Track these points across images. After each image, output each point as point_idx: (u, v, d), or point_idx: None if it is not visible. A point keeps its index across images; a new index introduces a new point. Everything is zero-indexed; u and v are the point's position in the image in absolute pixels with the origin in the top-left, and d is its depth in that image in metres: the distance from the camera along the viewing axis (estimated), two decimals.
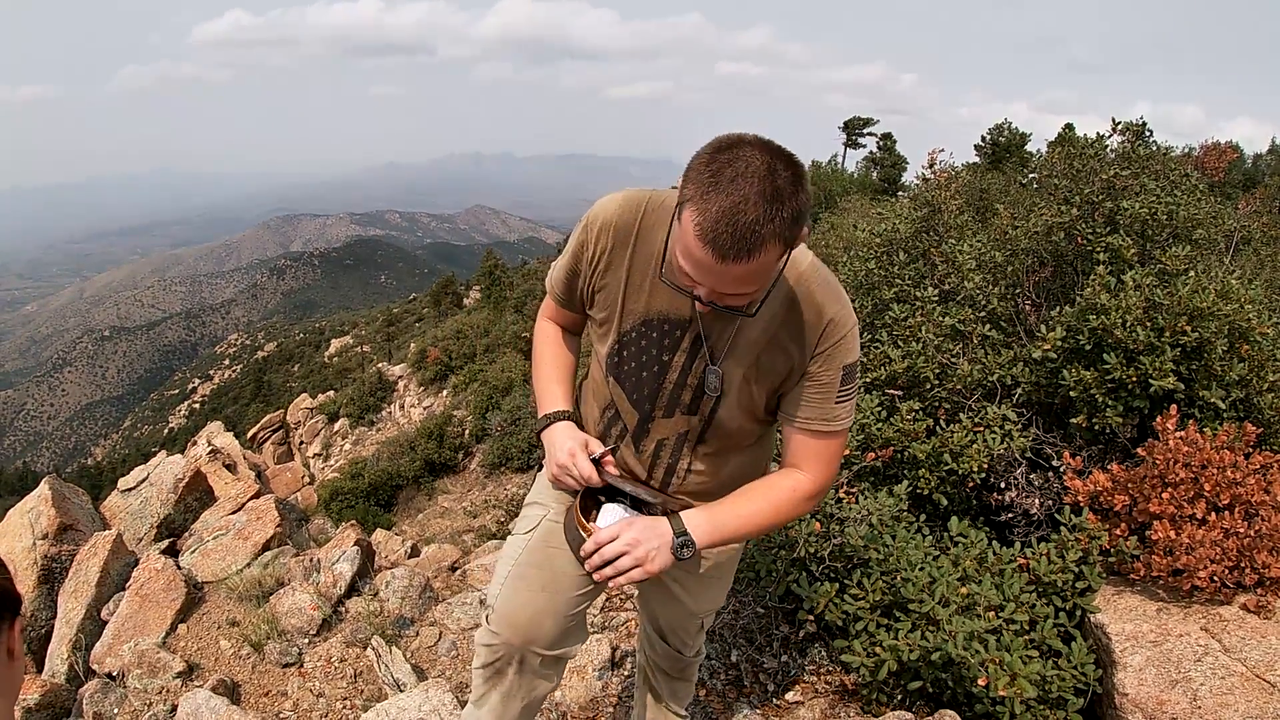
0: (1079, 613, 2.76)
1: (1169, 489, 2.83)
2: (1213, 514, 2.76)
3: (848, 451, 2.83)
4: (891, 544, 2.60)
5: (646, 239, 1.57)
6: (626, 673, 2.89)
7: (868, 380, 3.45)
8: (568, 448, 1.66)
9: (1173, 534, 2.73)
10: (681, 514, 1.57)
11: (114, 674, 3.65)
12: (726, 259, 1.28)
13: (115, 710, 3.45)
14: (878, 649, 2.43)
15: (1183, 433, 2.88)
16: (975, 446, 3.14)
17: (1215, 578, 2.66)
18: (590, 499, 1.68)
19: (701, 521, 1.56)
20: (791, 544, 2.65)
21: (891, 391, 3.43)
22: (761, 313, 1.52)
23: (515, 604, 1.77)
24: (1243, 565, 2.68)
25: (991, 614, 2.47)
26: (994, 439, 3.18)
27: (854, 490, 2.83)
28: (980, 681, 2.33)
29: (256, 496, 5.21)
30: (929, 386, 3.48)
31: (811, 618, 2.63)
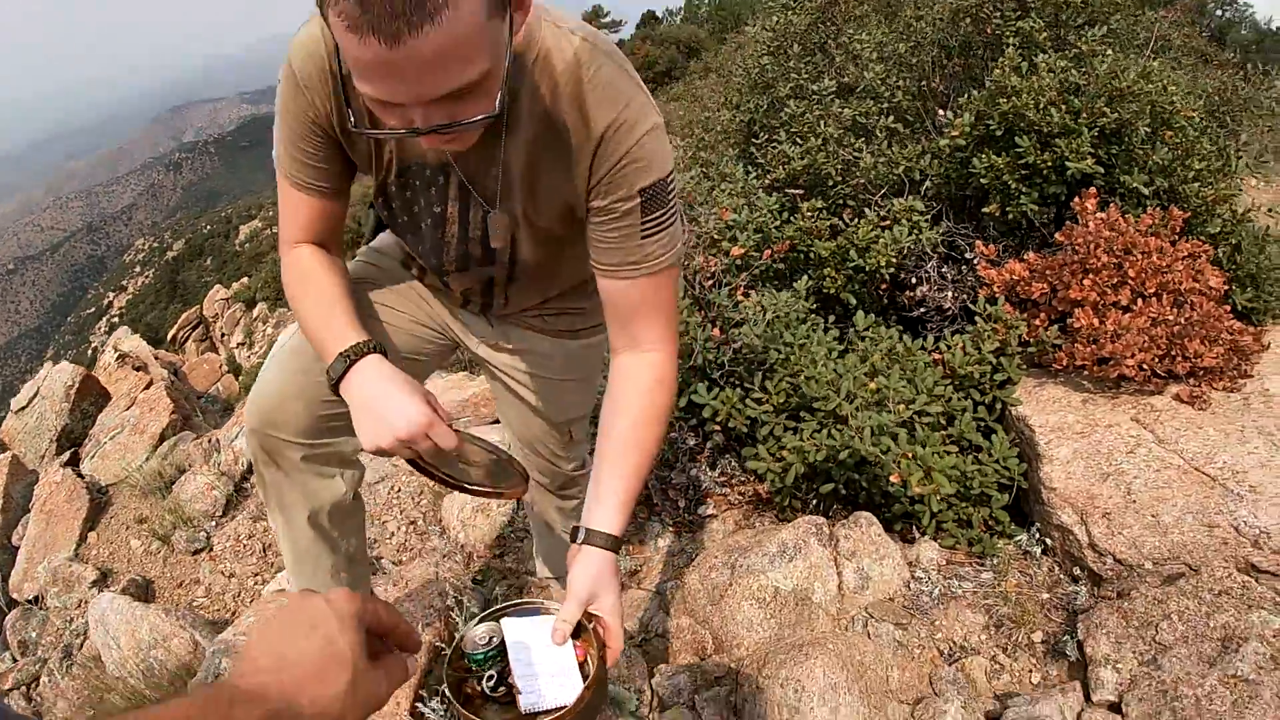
0: (999, 406, 2.68)
1: (1090, 275, 2.70)
2: (1139, 301, 2.64)
3: (741, 251, 2.64)
4: (793, 342, 2.46)
5: None
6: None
7: (766, 181, 3.23)
8: (413, 414, 1.21)
9: (1096, 321, 2.61)
10: (586, 534, 1.25)
11: (33, 598, 3.58)
12: (399, 35, 0.87)
13: (37, 634, 3.38)
14: (784, 453, 2.32)
15: (1104, 215, 2.74)
16: (883, 241, 2.99)
17: (1144, 367, 2.55)
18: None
19: (612, 527, 1.26)
20: (689, 351, 2.49)
21: (792, 191, 3.23)
22: (519, 134, 1.19)
23: (264, 388, 1.52)
24: (1174, 354, 2.56)
25: (902, 407, 2.36)
26: (902, 232, 3.02)
27: (752, 292, 2.67)
28: (893, 478, 2.24)
29: (149, 388, 4.91)
30: (831, 184, 3.29)
31: (718, 428, 2.51)
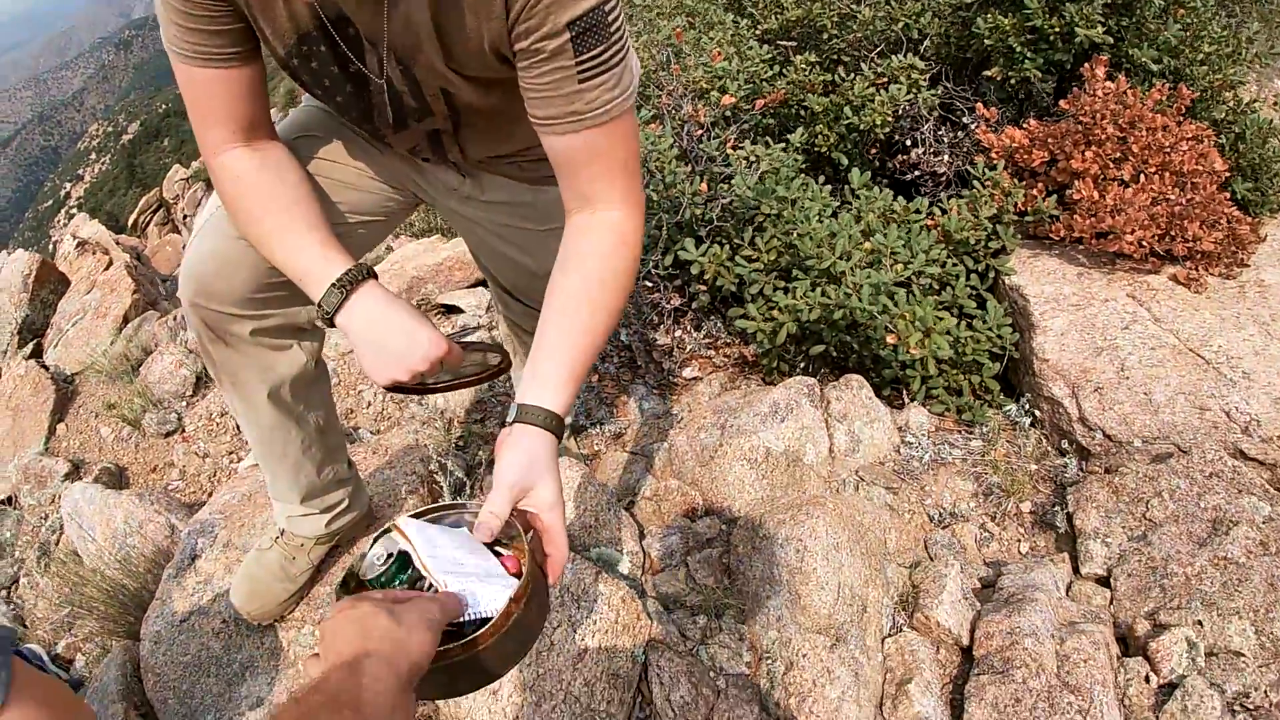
0: (992, 275, 2.61)
1: (1094, 146, 2.60)
2: (1141, 178, 2.55)
3: (731, 100, 2.46)
4: (786, 196, 2.32)
5: None
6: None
7: (757, 32, 3.01)
8: (428, 346, 1.11)
9: (1096, 195, 2.53)
10: (519, 410, 1.04)
11: (6, 499, 3.44)
12: None
13: (13, 535, 3.30)
14: (775, 312, 2.22)
15: (1112, 84, 2.61)
16: (879, 99, 2.82)
17: (1143, 244, 2.49)
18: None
19: (552, 402, 1.04)
20: (675, 206, 2.35)
21: (784, 43, 3.02)
22: None
23: (199, 257, 1.32)
24: (1173, 234, 2.51)
25: (900, 267, 2.26)
26: (899, 91, 2.85)
27: (742, 145, 2.51)
28: (889, 340, 2.16)
29: (108, 269, 4.71)
30: (827, 37, 3.08)
31: (704, 287, 2.39)
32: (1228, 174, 2.63)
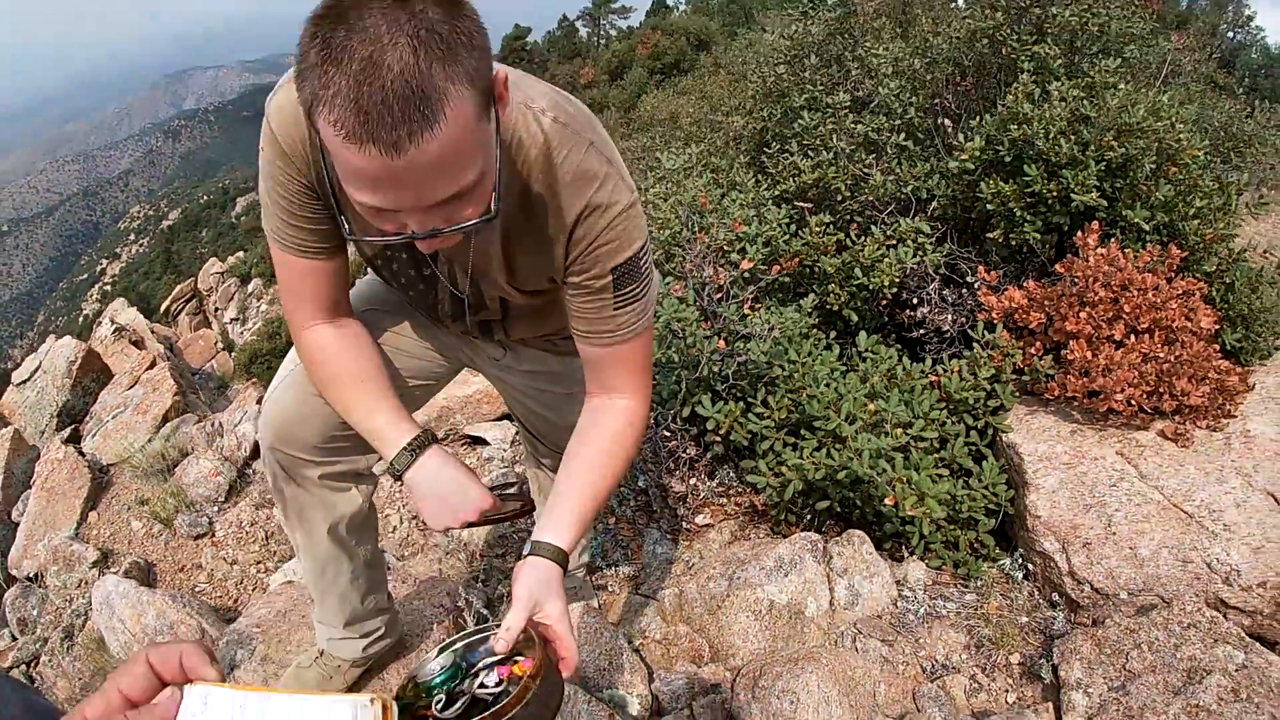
0: (991, 432, 2.75)
1: (1087, 308, 2.76)
2: (1131, 337, 2.71)
3: (750, 265, 2.69)
4: (797, 360, 2.52)
5: None
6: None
7: (776, 192, 3.28)
8: (477, 500, 1.36)
9: (1089, 355, 2.68)
10: (533, 545, 1.27)
11: (33, 575, 3.58)
12: (401, 145, 0.85)
13: (37, 612, 3.39)
14: (784, 468, 2.38)
15: (1104, 250, 2.80)
16: (887, 260, 3.04)
17: (1132, 402, 2.63)
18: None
19: (561, 541, 1.26)
20: (694, 364, 2.54)
21: (801, 204, 3.28)
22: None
23: (281, 404, 1.54)
24: (1161, 391, 2.64)
25: (900, 431, 2.42)
26: (907, 253, 3.08)
27: (758, 307, 2.72)
28: (888, 500, 2.31)
29: (152, 367, 4.94)
30: (840, 199, 3.34)
31: (718, 439, 2.56)
32: (1217, 326, 2.75)
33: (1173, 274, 2.81)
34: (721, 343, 2.52)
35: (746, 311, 2.62)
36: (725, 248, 2.76)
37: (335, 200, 1.19)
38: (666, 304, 2.52)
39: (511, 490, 1.54)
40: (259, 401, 4.08)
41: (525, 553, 1.27)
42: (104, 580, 3.00)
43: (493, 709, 1.05)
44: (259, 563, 3.26)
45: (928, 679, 2.16)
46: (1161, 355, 2.64)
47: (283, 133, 1.18)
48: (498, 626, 1.19)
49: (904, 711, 2.01)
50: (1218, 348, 2.77)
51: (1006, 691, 2.17)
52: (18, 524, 3.93)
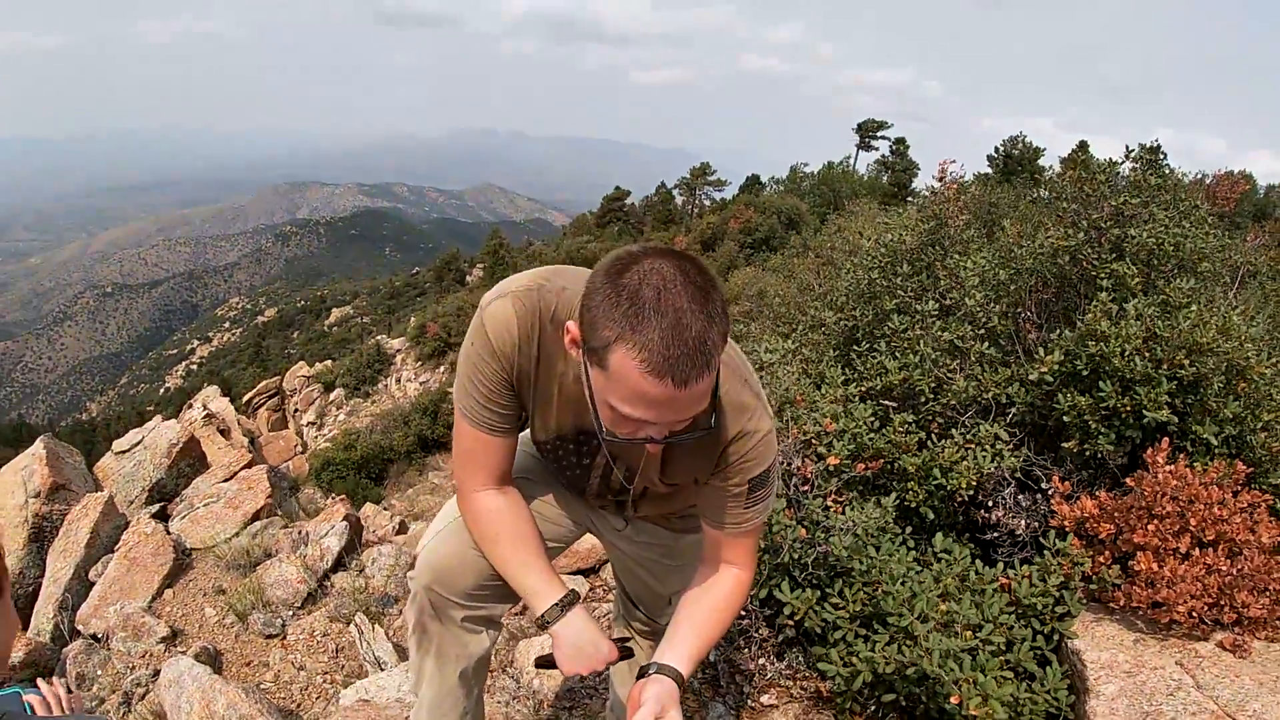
0: (1057, 637, 2.78)
1: (1155, 521, 2.83)
2: (1196, 549, 2.77)
3: (836, 461, 2.85)
4: (875, 555, 2.63)
5: (548, 356, 1.50)
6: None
7: (862, 390, 3.47)
8: (603, 653, 1.67)
9: (1155, 566, 2.74)
10: (658, 666, 1.58)
11: (98, 635, 3.70)
12: (689, 382, 1.17)
13: (98, 671, 3.48)
14: (854, 659, 2.45)
15: (1172, 466, 2.88)
16: (965, 463, 3.16)
17: (1194, 613, 2.68)
18: None
19: (681, 666, 1.58)
20: (776, 549, 2.67)
21: (886, 403, 3.45)
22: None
23: (441, 552, 1.77)
24: (1222, 603, 2.69)
25: (969, 633, 2.49)
26: (984, 457, 3.19)
27: (841, 500, 2.85)
28: (953, 699, 2.35)
29: (249, 466, 5.23)
30: (924, 400, 3.49)
31: (791, 623, 2.64)
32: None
33: (1239, 487, 2.87)
34: (804, 531, 2.65)
35: (830, 504, 2.75)
36: (814, 440, 2.93)
37: (533, 394, 1.52)
38: None
39: (627, 643, 1.77)
40: (345, 518, 4.30)
41: (650, 672, 1.56)
42: (177, 660, 3.12)
43: None
44: (326, 673, 3.35)
45: None
46: (1224, 568, 2.70)
47: (496, 336, 1.48)
48: None
49: None
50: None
51: None
52: (93, 583, 4.10)
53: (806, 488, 2.84)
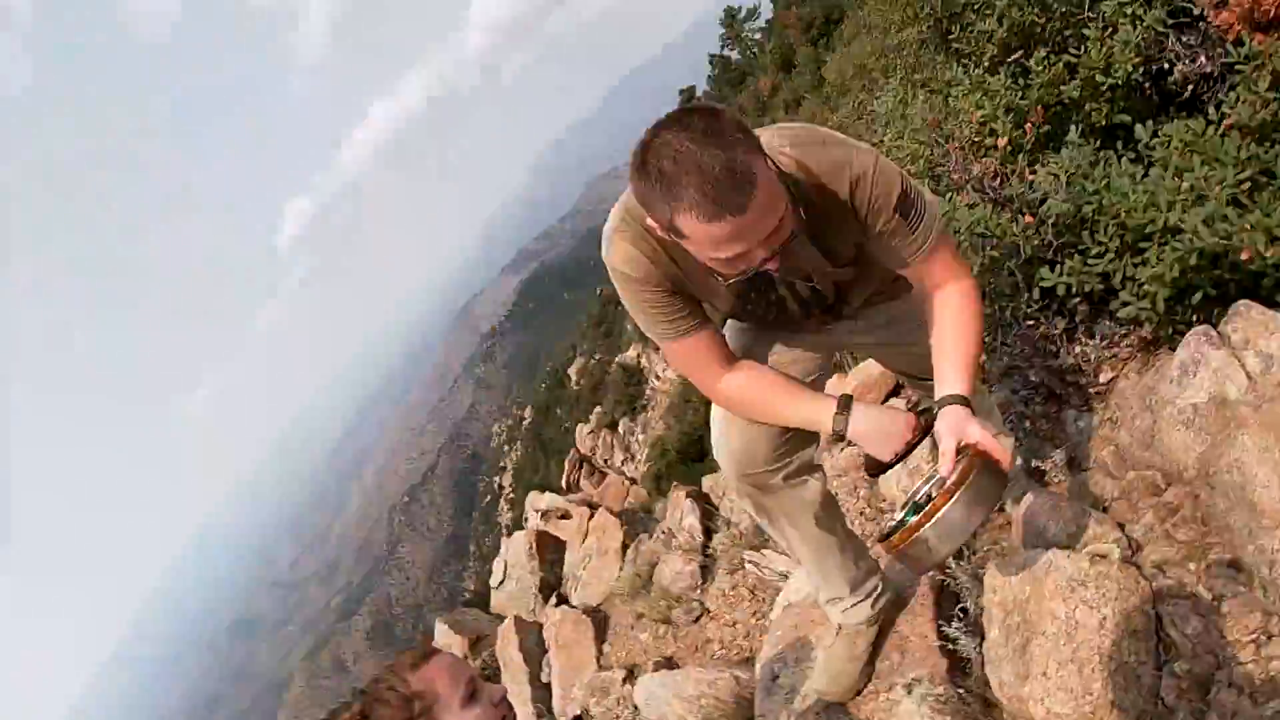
0: None
1: None
2: None
3: (1005, 141, 2.75)
4: (1096, 187, 2.49)
5: (675, 250, 1.60)
6: None
7: (985, 66, 3.23)
8: (904, 422, 1.70)
9: None
10: (940, 400, 1.67)
11: (578, 714, 4.13)
12: (745, 206, 1.31)
13: None
14: (1144, 287, 2.35)
15: None
16: (1116, 50, 2.88)
17: None
18: None
19: (958, 389, 1.65)
20: (1015, 250, 2.63)
21: (1012, 60, 3.21)
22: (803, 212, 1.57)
23: (727, 446, 1.94)
24: None
25: (1218, 189, 2.29)
26: (1128, 31, 2.90)
27: (1035, 167, 2.73)
28: (1244, 255, 2.18)
29: (592, 518, 5.78)
30: (1041, 28, 3.22)
31: (1079, 299, 2.58)
32: None
33: None
34: (1029, 217, 2.59)
35: (1029, 178, 2.66)
36: (975, 139, 2.84)
37: (694, 284, 1.68)
38: (961, 216, 2.68)
39: (922, 410, 1.82)
40: (689, 496, 4.67)
41: (936, 410, 1.66)
42: (640, 681, 3.51)
43: (944, 488, 1.49)
44: (755, 614, 3.66)
45: None
46: None
47: (633, 269, 1.66)
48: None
49: None
50: None
51: None
52: (548, 684, 4.60)
53: (997, 180, 2.76)
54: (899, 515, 1.63)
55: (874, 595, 2.22)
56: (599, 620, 4.76)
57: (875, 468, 1.81)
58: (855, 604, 2.20)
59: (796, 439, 1.91)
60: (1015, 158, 2.81)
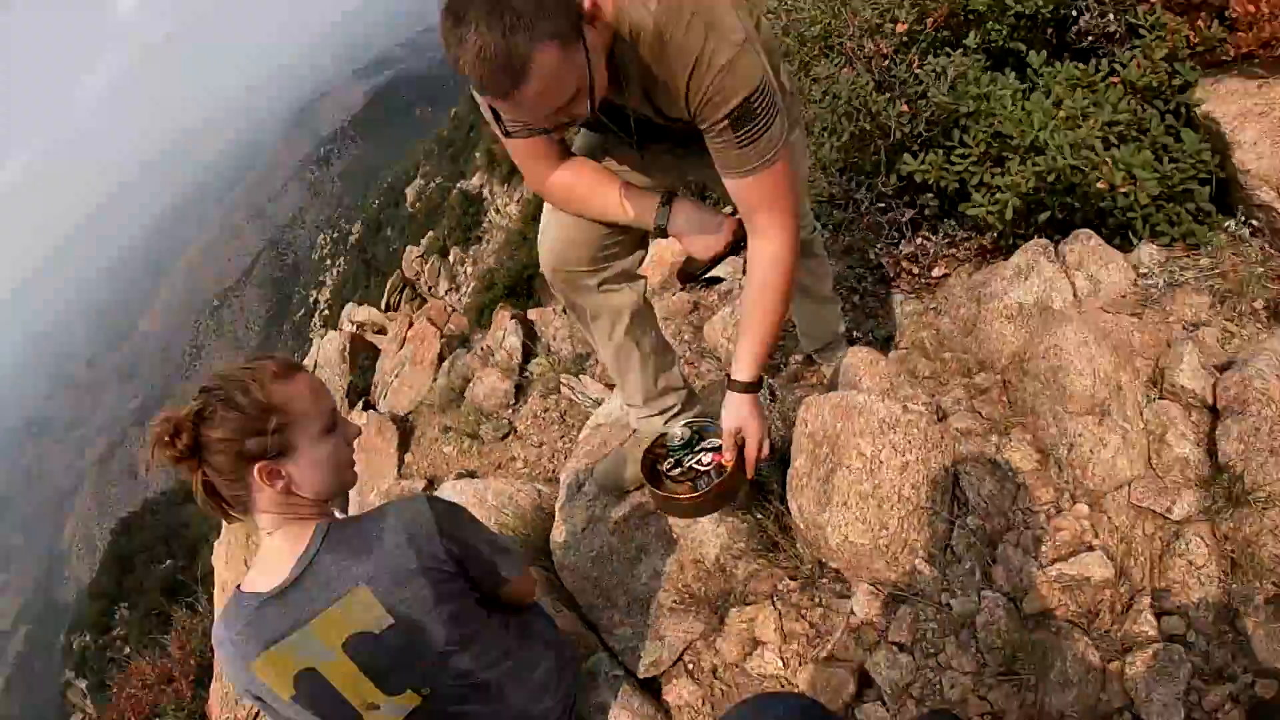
0: (1184, 111, 2.74)
1: None
2: None
3: (905, 27, 2.81)
4: (978, 91, 2.62)
5: None
6: None
7: None
8: (725, 223, 1.75)
9: (1252, 7, 2.61)
10: (729, 382, 1.84)
11: None
12: (509, 93, 1.29)
13: None
14: (997, 195, 2.53)
15: None
16: None
17: None
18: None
19: (745, 375, 1.81)
20: (886, 131, 2.72)
21: None
22: (631, 88, 1.56)
23: (548, 237, 1.97)
24: None
25: (1092, 123, 2.49)
26: None
27: (925, 64, 2.82)
28: (1100, 185, 2.40)
29: (411, 326, 5.69)
30: None
31: (930, 194, 2.73)
32: None
33: None
34: (906, 106, 2.68)
35: (917, 70, 2.74)
36: (877, 21, 2.89)
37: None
38: (844, 85, 2.71)
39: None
40: (514, 318, 4.66)
41: (726, 388, 1.84)
42: (441, 488, 3.49)
43: (706, 480, 1.92)
44: (562, 437, 3.75)
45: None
46: None
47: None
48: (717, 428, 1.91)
49: (1160, 354, 2.15)
50: None
51: (1259, 334, 2.23)
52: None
53: (887, 64, 2.84)
54: (671, 468, 2.01)
55: (668, 413, 2.31)
56: (405, 429, 4.73)
57: (686, 275, 1.95)
58: (648, 415, 2.31)
59: (618, 248, 1.94)
60: (909, 48, 2.89)
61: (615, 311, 2.07)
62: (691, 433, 2.04)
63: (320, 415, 1.43)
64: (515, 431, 4.08)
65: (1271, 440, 1.77)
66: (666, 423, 2.30)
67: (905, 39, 2.89)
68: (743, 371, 1.81)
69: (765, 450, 1.87)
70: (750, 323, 1.81)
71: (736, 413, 1.83)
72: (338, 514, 1.54)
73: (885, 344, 2.78)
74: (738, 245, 1.85)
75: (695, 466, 2.00)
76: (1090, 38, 3.09)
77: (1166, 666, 1.58)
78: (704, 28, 1.48)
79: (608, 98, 1.58)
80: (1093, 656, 1.65)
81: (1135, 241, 2.60)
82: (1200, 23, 2.74)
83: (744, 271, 1.91)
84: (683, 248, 1.81)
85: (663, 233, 1.75)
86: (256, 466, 1.36)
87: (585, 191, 1.80)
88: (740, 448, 1.85)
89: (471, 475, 3.94)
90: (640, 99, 1.61)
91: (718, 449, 1.96)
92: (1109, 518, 1.80)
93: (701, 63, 1.49)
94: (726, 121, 1.55)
